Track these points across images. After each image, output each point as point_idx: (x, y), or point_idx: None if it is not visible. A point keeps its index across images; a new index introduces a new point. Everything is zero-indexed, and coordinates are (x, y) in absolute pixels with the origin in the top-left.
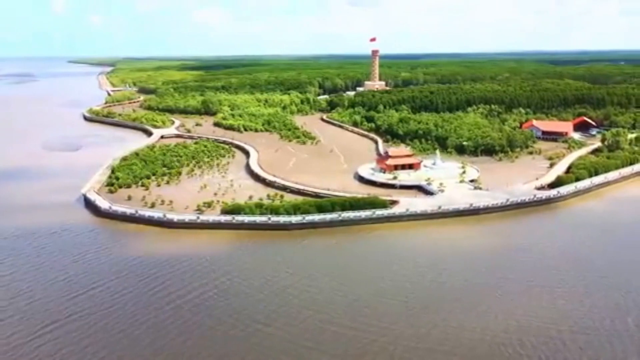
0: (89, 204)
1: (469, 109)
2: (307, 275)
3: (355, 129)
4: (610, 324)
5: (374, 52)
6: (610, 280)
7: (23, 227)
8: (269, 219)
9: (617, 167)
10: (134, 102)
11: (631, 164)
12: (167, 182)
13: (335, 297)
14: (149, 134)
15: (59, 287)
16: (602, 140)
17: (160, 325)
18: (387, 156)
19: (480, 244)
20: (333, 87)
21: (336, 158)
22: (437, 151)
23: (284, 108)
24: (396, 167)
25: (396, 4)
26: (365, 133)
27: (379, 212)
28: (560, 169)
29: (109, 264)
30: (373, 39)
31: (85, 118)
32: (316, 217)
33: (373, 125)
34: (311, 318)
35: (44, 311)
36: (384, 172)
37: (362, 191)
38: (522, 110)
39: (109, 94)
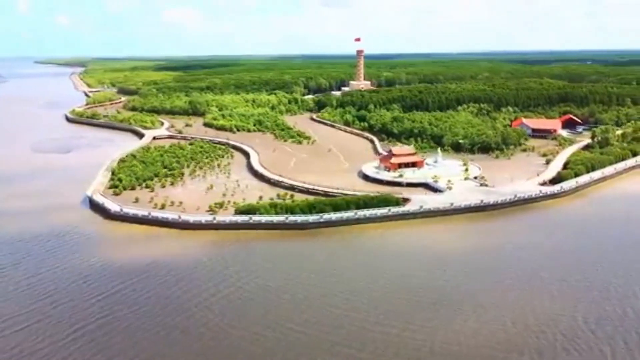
0: (96, 206)
1: (459, 107)
2: (325, 274)
3: (348, 129)
4: (622, 313)
5: (359, 52)
6: (618, 272)
7: (29, 230)
8: (287, 218)
9: (611, 163)
10: (116, 103)
11: (623, 159)
12: (172, 184)
13: (351, 296)
14: (140, 135)
15: (79, 289)
16: (592, 137)
17: (185, 325)
18: (392, 155)
19: (491, 241)
20: (318, 87)
21: (335, 157)
22: (439, 149)
23: (272, 108)
24: (400, 166)
25: (369, 4)
26: (359, 132)
27: (394, 210)
28: (557, 165)
29: (127, 265)
30: (358, 39)
31: (68, 119)
32: (333, 216)
33: (366, 124)
34: (328, 318)
35: (69, 314)
36: (389, 171)
37: (368, 189)
38: (510, 109)
39: (87, 95)
